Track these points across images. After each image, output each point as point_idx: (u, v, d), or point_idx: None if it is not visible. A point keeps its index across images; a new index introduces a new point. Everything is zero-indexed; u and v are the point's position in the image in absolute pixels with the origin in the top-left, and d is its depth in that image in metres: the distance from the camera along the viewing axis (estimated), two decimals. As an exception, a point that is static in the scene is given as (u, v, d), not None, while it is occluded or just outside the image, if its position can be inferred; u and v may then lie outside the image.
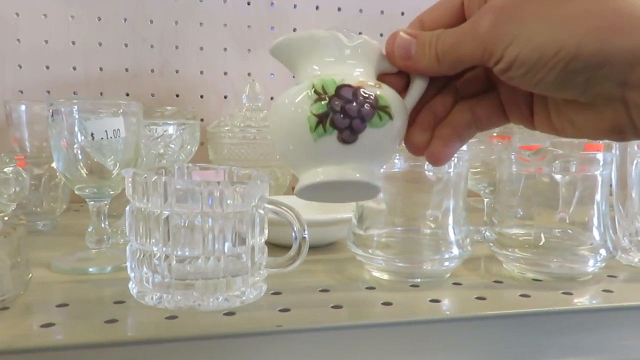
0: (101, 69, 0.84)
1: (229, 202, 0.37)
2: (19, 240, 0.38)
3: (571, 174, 0.48)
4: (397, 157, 0.47)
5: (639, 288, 0.46)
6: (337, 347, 0.36)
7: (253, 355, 0.35)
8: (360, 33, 0.31)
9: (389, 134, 0.28)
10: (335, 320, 0.37)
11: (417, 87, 0.30)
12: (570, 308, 0.41)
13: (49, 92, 0.83)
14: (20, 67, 0.81)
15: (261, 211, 0.39)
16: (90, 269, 0.47)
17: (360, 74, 0.29)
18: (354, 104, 0.27)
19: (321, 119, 0.27)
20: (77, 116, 0.45)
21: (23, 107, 0.72)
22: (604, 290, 0.45)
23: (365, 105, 0.27)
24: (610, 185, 0.52)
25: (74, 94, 0.83)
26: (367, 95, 0.28)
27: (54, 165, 0.67)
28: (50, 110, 0.46)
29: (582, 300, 0.42)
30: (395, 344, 0.37)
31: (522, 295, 0.43)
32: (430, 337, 0.38)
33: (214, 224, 0.37)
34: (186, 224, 0.37)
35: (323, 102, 0.27)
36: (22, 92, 0.82)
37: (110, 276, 0.46)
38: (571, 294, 0.43)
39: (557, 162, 0.48)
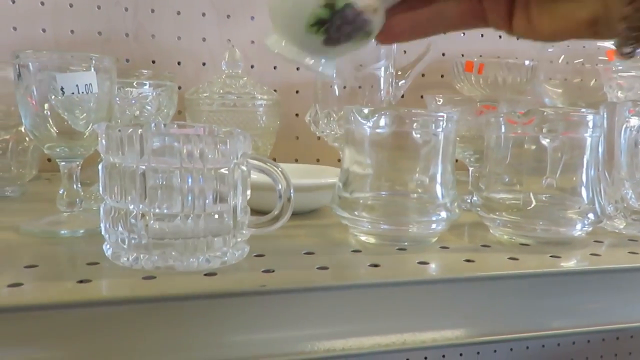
0: (72, 32, 0.80)
1: (209, 156, 0.35)
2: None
3: (559, 138, 0.47)
4: (384, 121, 0.45)
5: (624, 253, 0.45)
6: (323, 308, 0.35)
7: (236, 317, 0.33)
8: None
9: (362, 45, 0.34)
10: (321, 281, 0.35)
11: None
12: (558, 270, 0.40)
13: (18, 56, 0.78)
14: (-14, 27, 0.77)
15: (244, 167, 0.37)
16: (62, 232, 0.44)
17: None
18: (350, 26, 0.32)
19: (319, 23, 0.31)
20: (45, 70, 0.43)
21: (-12, 69, 0.68)
22: (591, 254, 0.44)
23: (357, 30, 0.32)
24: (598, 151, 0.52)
25: (44, 57, 0.79)
26: (363, 20, 0.31)
27: (22, 129, 0.64)
28: (17, 65, 0.43)
29: (569, 263, 0.42)
30: (383, 305, 0.36)
31: (510, 258, 0.42)
32: (419, 299, 0.37)
33: (194, 181, 0.35)
34: (164, 181, 0.35)
35: (328, 10, 0.31)
36: (-13, 54, 0.77)
37: (82, 240, 0.44)
38: (559, 257, 0.43)
39: (545, 124, 0.47)
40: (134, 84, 0.59)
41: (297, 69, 0.90)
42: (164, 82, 0.58)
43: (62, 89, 0.42)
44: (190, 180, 0.35)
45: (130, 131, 0.34)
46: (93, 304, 0.31)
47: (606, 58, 0.82)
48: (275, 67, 0.89)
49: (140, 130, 0.34)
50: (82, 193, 0.48)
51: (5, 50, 0.78)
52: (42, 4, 0.78)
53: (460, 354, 1.05)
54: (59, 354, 0.31)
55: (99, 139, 0.37)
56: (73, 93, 0.43)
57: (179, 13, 0.83)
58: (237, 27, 0.86)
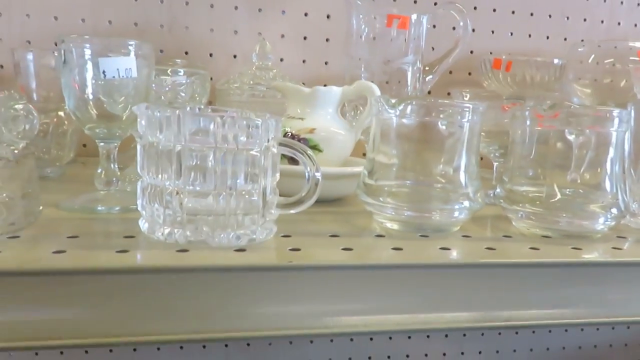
0: (110, 22, 0.83)
1: (242, 138, 0.37)
2: (30, 172, 0.38)
3: (585, 133, 0.47)
4: (410, 111, 0.47)
5: (647, 248, 0.46)
6: (346, 286, 0.36)
7: (262, 290, 0.35)
8: None
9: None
10: (345, 260, 0.36)
11: None
12: (579, 260, 0.41)
13: (56, 44, 0.81)
14: (29, 16, 0.80)
15: (274, 150, 0.39)
16: (99, 208, 0.47)
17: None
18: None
19: None
20: (88, 54, 0.45)
21: (30, 56, 0.72)
22: (613, 248, 0.45)
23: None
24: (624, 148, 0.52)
25: (82, 46, 0.82)
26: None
27: (61, 113, 0.67)
28: (62, 49, 0.46)
29: (591, 255, 0.42)
30: (404, 286, 0.37)
31: (531, 248, 0.43)
32: (439, 282, 0.38)
33: (227, 161, 0.37)
34: (199, 161, 0.37)
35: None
36: (29, 43, 0.81)
37: (118, 216, 0.46)
38: (580, 249, 0.43)
39: (571, 119, 0.47)
40: (169, 71, 0.61)
41: (326, 63, 0.91)
42: (197, 71, 0.60)
43: (103, 72, 0.44)
44: (223, 160, 0.37)
45: (168, 112, 0.36)
46: (129, 271, 0.33)
47: (637, 58, 0.81)
48: (304, 61, 0.90)
49: (178, 111, 0.36)
50: (118, 172, 0.50)
51: (47, 39, 0.81)
52: (83, -6, 0.81)
53: (480, 352, 1.05)
54: (95, 315, 0.33)
55: (139, 119, 0.39)
56: (114, 77, 0.45)
57: (212, 6, 0.86)
58: (268, 20, 0.88)
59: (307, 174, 0.39)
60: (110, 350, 0.90)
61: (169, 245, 0.37)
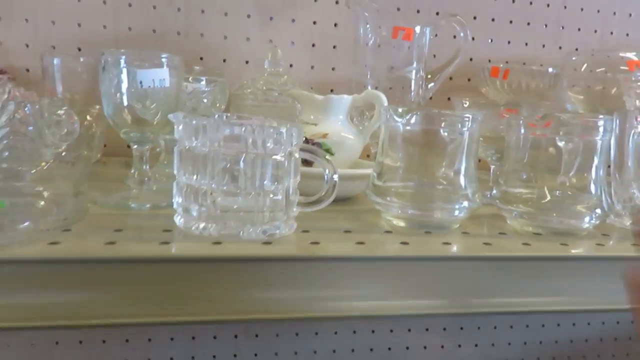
0: (130, 29, 0.88)
1: (269, 144, 0.42)
2: (81, 172, 0.43)
3: (573, 140, 0.53)
4: (415, 120, 0.52)
5: (628, 245, 0.51)
6: (360, 275, 0.41)
7: (288, 279, 0.40)
8: None
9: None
10: (360, 252, 0.41)
11: None
12: (567, 255, 0.46)
13: (79, 49, 0.86)
14: (54, 23, 0.85)
15: (297, 155, 0.44)
16: (132, 205, 0.52)
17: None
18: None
19: None
20: (126, 65, 0.50)
21: (57, 61, 0.76)
22: (597, 244, 0.50)
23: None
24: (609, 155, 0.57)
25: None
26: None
27: (88, 117, 0.72)
28: (102, 60, 0.50)
29: (577, 250, 0.47)
30: (410, 277, 0.42)
31: (524, 244, 0.48)
32: (442, 273, 0.43)
33: (256, 164, 0.42)
34: (230, 163, 0.42)
35: None
36: (54, 48, 0.86)
37: (149, 212, 0.51)
38: (567, 245, 0.48)
39: (561, 128, 0.52)
40: (190, 79, 0.66)
41: (333, 69, 0.96)
42: (217, 78, 0.65)
43: (140, 82, 0.49)
44: (252, 163, 0.41)
45: (204, 121, 0.41)
46: (173, 260, 0.38)
47: (627, 68, 0.87)
48: (312, 67, 0.95)
49: (213, 120, 0.41)
50: (149, 173, 0.55)
51: (70, 44, 0.86)
52: (104, 2, 0.86)
53: (476, 345, 1.10)
54: (142, 299, 0.38)
55: (175, 126, 0.44)
56: (149, 86, 0.50)
57: (226, 14, 0.91)
58: (278, 28, 0.93)
59: (325, 177, 0.44)
60: (127, 340, 0.95)
61: (204, 238, 0.42)
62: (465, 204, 0.51)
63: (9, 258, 0.36)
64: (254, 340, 1.00)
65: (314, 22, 0.94)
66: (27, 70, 0.85)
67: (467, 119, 0.51)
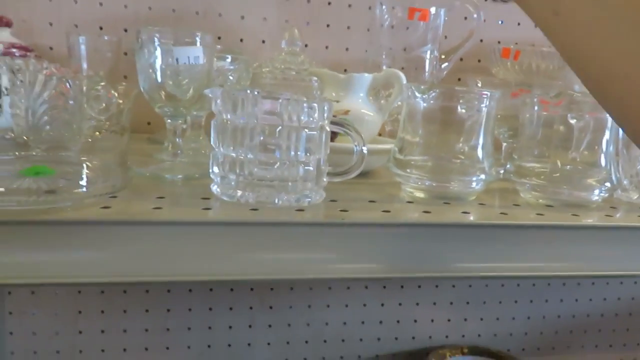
0: (150, 9, 0.90)
1: (303, 118, 0.44)
2: (126, 143, 0.46)
3: (584, 118, 0.55)
4: (436, 97, 0.54)
5: (635, 216, 0.54)
6: (385, 241, 0.44)
7: (321, 242, 0.43)
8: None
9: None
10: (387, 219, 0.45)
11: None
12: (578, 224, 0.49)
13: (101, 27, 0.89)
14: (76, 2, 0.87)
15: (327, 128, 0.46)
16: (167, 176, 0.55)
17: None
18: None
19: None
20: (162, 43, 0.52)
21: (82, 40, 0.78)
22: (606, 215, 0.53)
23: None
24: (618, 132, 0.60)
25: (125, 30, 0.89)
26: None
27: (115, 92, 0.75)
28: (140, 38, 0.53)
29: (588, 221, 0.50)
30: (436, 241, 0.45)
31: (537, 214, 0.51)
32: (462, 239, 0.46)
33: (290, 136, 0.44)
34: (267, 135, 0.45)
35: None
36: (77, 26, 0.88)
37: (182, 182, 0.54)
38: (578, 215, 0.52)
39: (573, 105, 0.55)
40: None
41: (346, 49, 0.98)
42: (241, 57, 0.68)
43: (177, 59, 0.52)
44: (287, 136, 0.44)
45: (243, 94, 0.44)
46: (216, 223, 0.41)
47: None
48: (327, 47, 0.97)
49: (252, 94, 0.44)
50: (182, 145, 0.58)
51: (92, 23, 0.88)
52: (125, -18, 0.88)
53: (481, 319, 1.14)
54: (187, 257, 0.41)
55: (213, 100, 0.47)
56: (185, 63, 0.52)
57: (243, -6, 0.93)
58: (294, 8, 0.95)
59: (355, 148, 0.46)
60: (147, 310, 0.99)
61: (242, 205, 0.45)
62: (482, 176, 0.54)
63: (66, 219, 0.39)
64: (268, 312, 1.04)
65: (329, 3, 0.96)
66: (51, 48, 0.88)
67: (485, 96, 0.54)
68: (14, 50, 0.77)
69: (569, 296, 1.17)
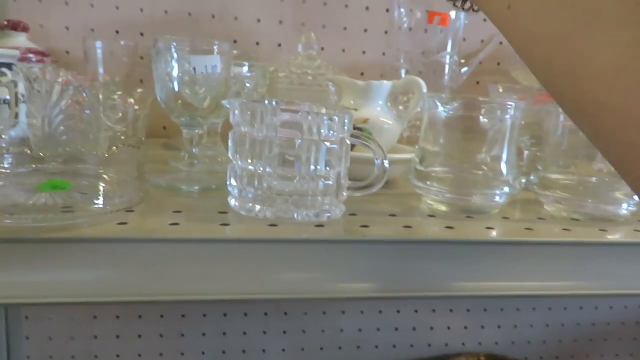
0: (166, 12, 0.89)
1: (322, 131, 0.43)
2: (143, 156, 0.45)
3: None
4: (458, 107, 0.53)
5: (665, 231, 0.52)
6: (408, 257, 0.43)
7: (341, 260, 0.42)
8: None
9: None
10: (409, 235, 0.43)
11: None
12: (605, 240, 0.47)
13: (117, 31, 0.88)
14: (93, 6, 0.87)
15: (348, 142, 0.45)
16: (183, 187, 0.54)
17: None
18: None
19: None
20: (179, 51, 0.51)
21: (99, 44, 0.78)
22: (635, 230, 0.51)
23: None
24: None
25: (141, 35, 0.88)
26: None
27: (131, 100, 0.74)
28: (157, 46, 0.52)
29: (615, 236, 0.48)
30: (460, 259, 0.44)
31: (563, 229, 0.49)
32: (486, 256, 0.45)
33: (309, 150, 0.43)
34: (285, 148, 0.43)
35: None
36: (93, 31, 0.87)
37: (200, 194, 0.53)
38: (606, 231, 0.50)
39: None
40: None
41: (363, 52, 0.97)
42: (258, 64, 0.67)
43: (194, 68, 0.51)
44: (307, 149, 0.43)
45: (261, 106, 0.43)
46: (234, 241, 0.40)
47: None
48: (343, 50, 0.96)
49: (269, 106, 0.43)
50: (199, 156, 0.57)
51: (108, 27, 0.88)
52: (142, -14, 0.87)
53: (499, 327, 1.12)
54: (203, 277, 0.40)
55: (231, 111, 0.46)
56: (202, 72, 0.51)
57: (260, -3, 0.92)
58: (311, 12, 0.94)
59: (377, 162, 0.45)
60: (162, 316, 0.98)
61: (260, 221, 0.44)
62: (506, 189, 0.52)
63: (82, 237, 0.38)
64: (283, 318, 1.03)
65: (346, 6, 0.95)
66: (67, 52, 0.87)
67: (509, 106, 0.52)
68: (30, 55, 0.77)
69: (589, 304, 1.15)
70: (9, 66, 0.64)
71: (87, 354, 0.97)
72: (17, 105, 0.61)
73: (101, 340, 0.97)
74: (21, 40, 0.78)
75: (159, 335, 0.99)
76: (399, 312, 1.07)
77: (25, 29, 0.78)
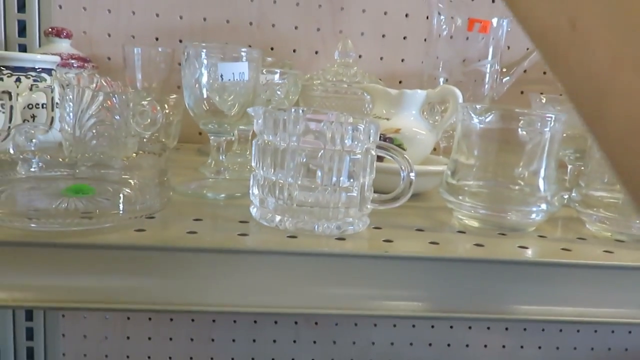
0: (204, 19, 0.90)
1: (347, 141, 0.42)
2: (166, 162, 0.45)
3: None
4: (493, 118, 0.50)
5: None
6: (432, 276, 0.41)
7: (362, 276, 0.40)
8: None
9: None
10: (434, 253, 0.41)
11: None
12: (653, 265, 0.43)
13: (157, 38, 0.90)
14: (134, 13, 0.88)
15: (373, 152, 0.44)
16: (208, 194, 0.53)
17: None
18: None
19: None
20: (208, 58, 0.51)
21: (137, 50, 0.79)
22: (686, 255, 0.47)
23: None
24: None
25: (180, 41, 0.89)
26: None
27: (166, 106, 0.75)
28: (186, 53, 0.52)
29: (664, 261, 0.45)
30: (484, 280, 0.41)
31: (605, 251, 0.46)
32: (517, 278, 0.42)
33: (333, 160, 0.42)
34: (309, 158, 0.42)
35: None
36: (134, 37, 0.89)
37: (225, 202, 0.52)
38: (653, 254, 0.46)
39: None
40: (264, 71, 0.67)
41: (402, 60, 0.95)
42: (290, 71, 0.66)
43: (221, 75, 0.51)
44: (330, 159, 0.42)
45: (284, 115, 0.42)
46: (251, 252, 0.39)
47: None
48: (381, 58, 0.94)
49: (293, 115, 0.42)
50: (226, 163, 0.56)
51: (148, 34, 0.89)
52: (181, -7, 0.88)
53: (539, 347, 1.07)
54: (217, 288, 0.39)
55: (255, 120, 0.45)
56: (229, 80, 0.51)
57: (297, 4, 0.91)
58: (349, 19, 0.93)
59: (402, 174, 0.43)
60: (192, 320, 0.99)
61: (280, 231, 0.43)
62: (544, 206, 0.49)
63: (97, 243, 0.38)
64: (313, 328, 1.02)
65: (385, 13, 0.93)
66: (109, 58, 0.89)
67: (549, 118, 0.49)
68: (72, 61, 0.79)
69: (638, 327, 1.08)
70: (49, 72, 0.65)
71: (120, 354, 0.99)
72: (52, 109, 0.62)
73: (133, 340, 0.98)
74: (64, 46, 0.80)
75: (189, 339, 0.99)
76: (433, 327, 1.04)
77: (68, 36, 0.80)
